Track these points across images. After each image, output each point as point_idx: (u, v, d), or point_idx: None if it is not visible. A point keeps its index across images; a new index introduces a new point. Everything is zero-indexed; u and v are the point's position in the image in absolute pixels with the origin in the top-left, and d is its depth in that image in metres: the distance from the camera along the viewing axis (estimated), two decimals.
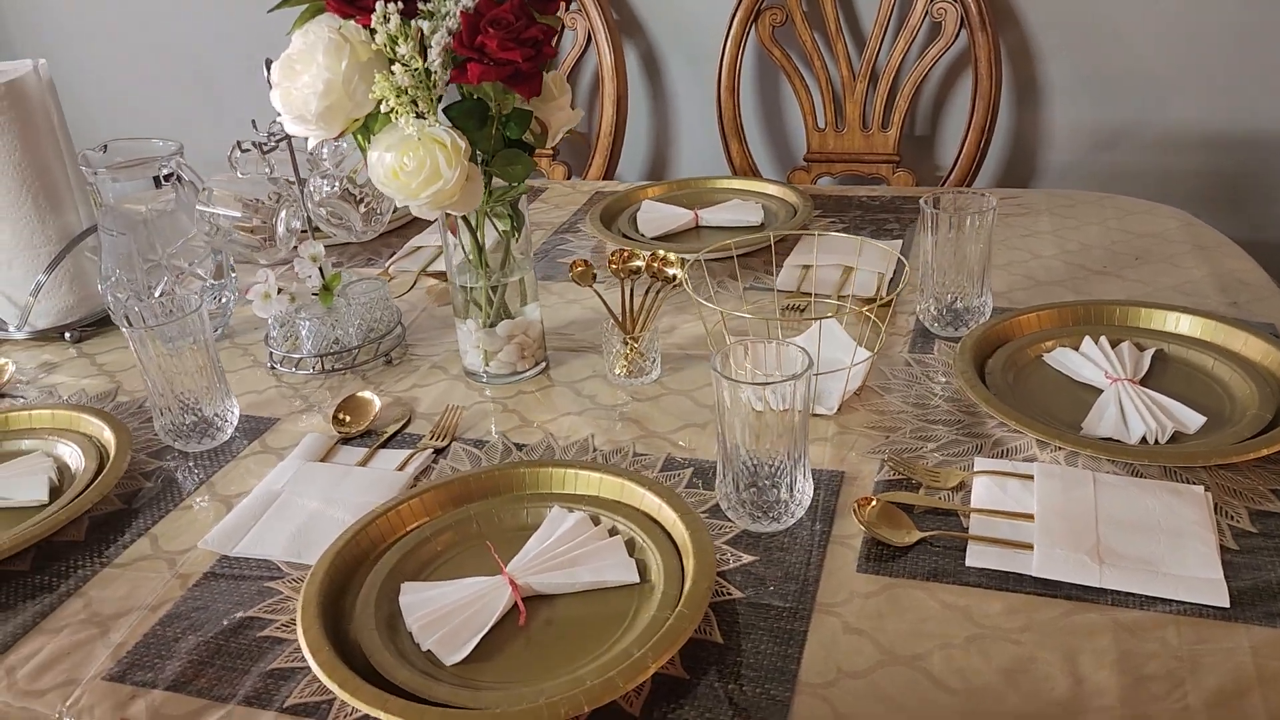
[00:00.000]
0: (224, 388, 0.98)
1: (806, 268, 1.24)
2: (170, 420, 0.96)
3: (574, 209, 1.55)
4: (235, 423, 0.99)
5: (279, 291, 1.08)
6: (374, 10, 0.85)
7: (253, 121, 1.06)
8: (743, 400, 0.76)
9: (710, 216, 1.40)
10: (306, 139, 1.03)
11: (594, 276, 1.06)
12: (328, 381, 1.09)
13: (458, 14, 0.84)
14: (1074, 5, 1.82)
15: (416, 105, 0.85)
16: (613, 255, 1.05)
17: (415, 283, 1.31)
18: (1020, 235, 1.28)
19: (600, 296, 1.03)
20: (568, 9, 2.04)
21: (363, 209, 1.05)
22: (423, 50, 0.85)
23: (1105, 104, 1.89)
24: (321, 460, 0.94)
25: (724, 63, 1.97)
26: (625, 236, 1.37)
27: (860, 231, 1.36)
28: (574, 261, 1.07)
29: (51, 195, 1.19)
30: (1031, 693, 0.64)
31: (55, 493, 0.92)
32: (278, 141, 1.03)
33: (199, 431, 0.97)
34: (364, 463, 0.94)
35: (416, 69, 0.84)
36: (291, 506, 0.87)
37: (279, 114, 0.91)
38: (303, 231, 1.08)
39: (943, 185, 1.93)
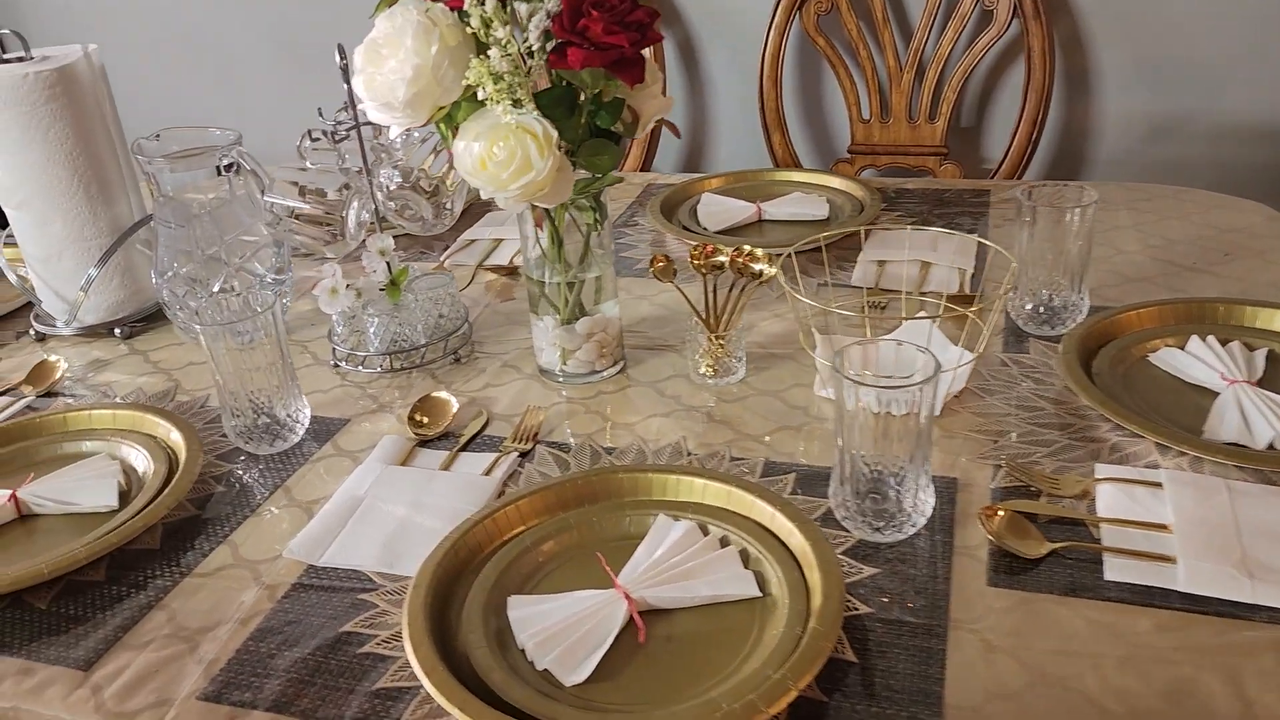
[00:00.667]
0: (295, 387, 0.94)
1: (882, 263, 1.20)
2: (242, 422, 0.92)
3: (627, 202, 1.50)
4: (306, 424, 0.95)
5: (345, 287, 1.04)
6: None
7: (319, 110, 1.02)
8: (864, 404, 0.72)
9: (773, 210, 1.35)
10: (375, 128, 1.00)
11: (674, 272, 1.02)
12: (396, 380, 1.05)
13: None
14: None
15: (514, 92, 0.81)
16: (695, 250, 1.01)
17: (474, 277, 1.27)
18: (1103, 229, 1.24)
19: (683, 293, 0.99)
20: None
21: (433, 201, 1.00)
22: (520, 34, 0.80)
23: (1158, 93, 1.85)
24: (401, 464, 0.90)
25: (767, 52, 1.93)
26: (686, 229, 1.33)
27: (931, 224, 1.31)
28: (654, 256, 1.03)
29: (104, 186, 1.15)
30: (1199, 717, 0.61)
31: (123, 497, 0.88)
32: (349, 130, 0.98)
33: (270, 433, 0.93)
34: (446, 466, 0.90)
35: (514, 54, 0.80)
36: (377, 513, 0.83)
37: (353, 102, 0.86)
38: (370, 224, 1.04)
39: (992, 177, 1.89)
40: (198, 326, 0.89)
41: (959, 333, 0.98)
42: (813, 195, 1.40)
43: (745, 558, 0.75)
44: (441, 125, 0.89)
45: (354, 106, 0.99)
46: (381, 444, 0.92)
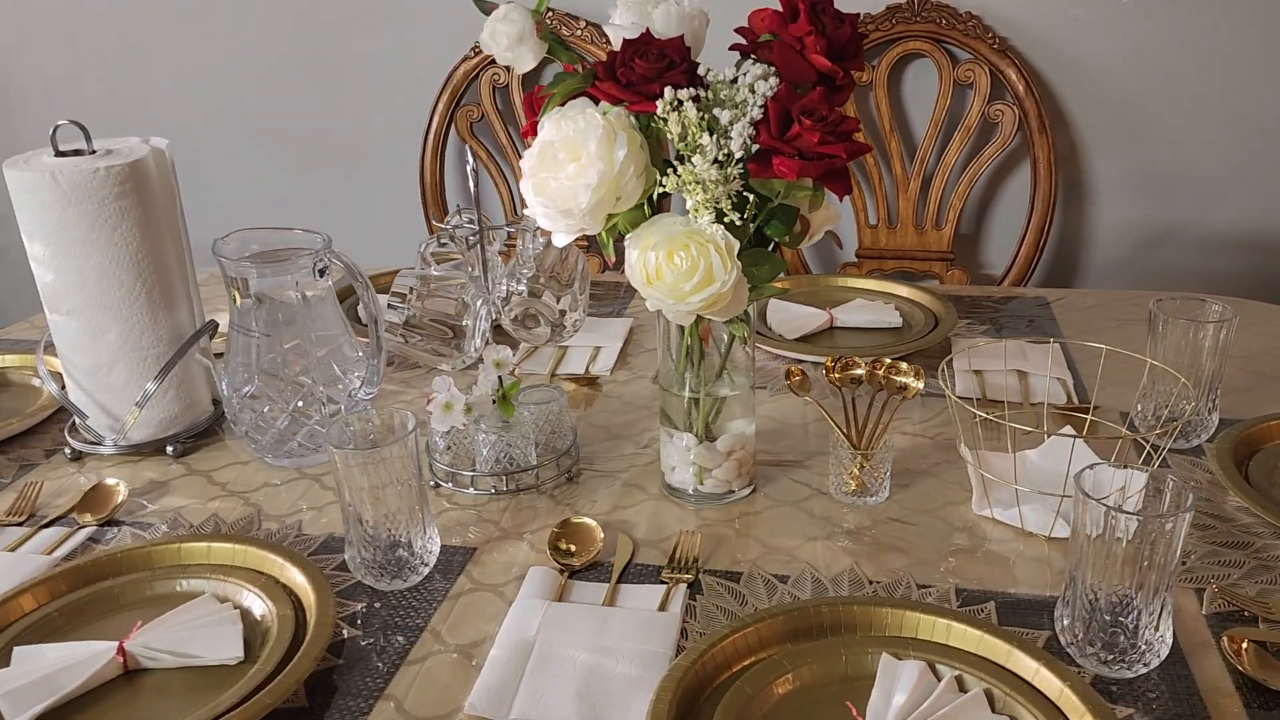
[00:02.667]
0: (427, 515, 0.86)
1: (979, 372, 1.18)
2: (372, 554, 0.83)
3: None
4: (436, 555, 0.87)
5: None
6: (660, 97, 0.77)
7: (458, 206, 0.95)
8: (1114, 531, 0.69)
9: (845, 317, 1.33)
10: (489, 236, 0.94)
11: (810, 386, 0.98)
12: (509, 502, 0.97)
13: (761, 102, 0.76)
14: (1121, 105, 1.85)
15: (718, 201, 0.76)
16: (830, 363, 0.97)
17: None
18: None
19: (824, 410, 0.95)
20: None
21: (556, 313, 0.94)
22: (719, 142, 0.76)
23: (1152, 202, 1.92)
24: (557, 599, 0.82)
25: None
26: (760, 335, 1.29)
27: (1010, 334, 1.31)
28: (789, 370, 0.98)
29: (166, 291, 1.05)
30: None
31: (246, 646, 0.77)
32: (473, 237, 0.92)
33: (400, 565, 0.84)
34: (609, 601, 0.82)
35: (718, 161, 0.76)
36: (558, 659, 0.75)
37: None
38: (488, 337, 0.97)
39: (1001, 284, 1.92)
40: (333, 450, 0.80)
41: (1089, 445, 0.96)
42: (875, 301, 1.39)
43: (991, 701, 0.70)
44: (604, 234, 0.84)
45: (478, 211, 0.93)
46: (530, 577, 0.84)
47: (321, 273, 0.99)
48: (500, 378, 0.98)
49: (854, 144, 0.75)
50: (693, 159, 0.76)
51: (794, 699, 0.71)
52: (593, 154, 0.77)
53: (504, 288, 0.93)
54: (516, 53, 0.86)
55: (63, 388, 1.08)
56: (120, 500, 0.98)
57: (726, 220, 0.78)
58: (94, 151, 1.03)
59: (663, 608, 0.81)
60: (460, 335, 0.92)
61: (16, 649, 0.77)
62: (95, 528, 0.95)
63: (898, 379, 0.95)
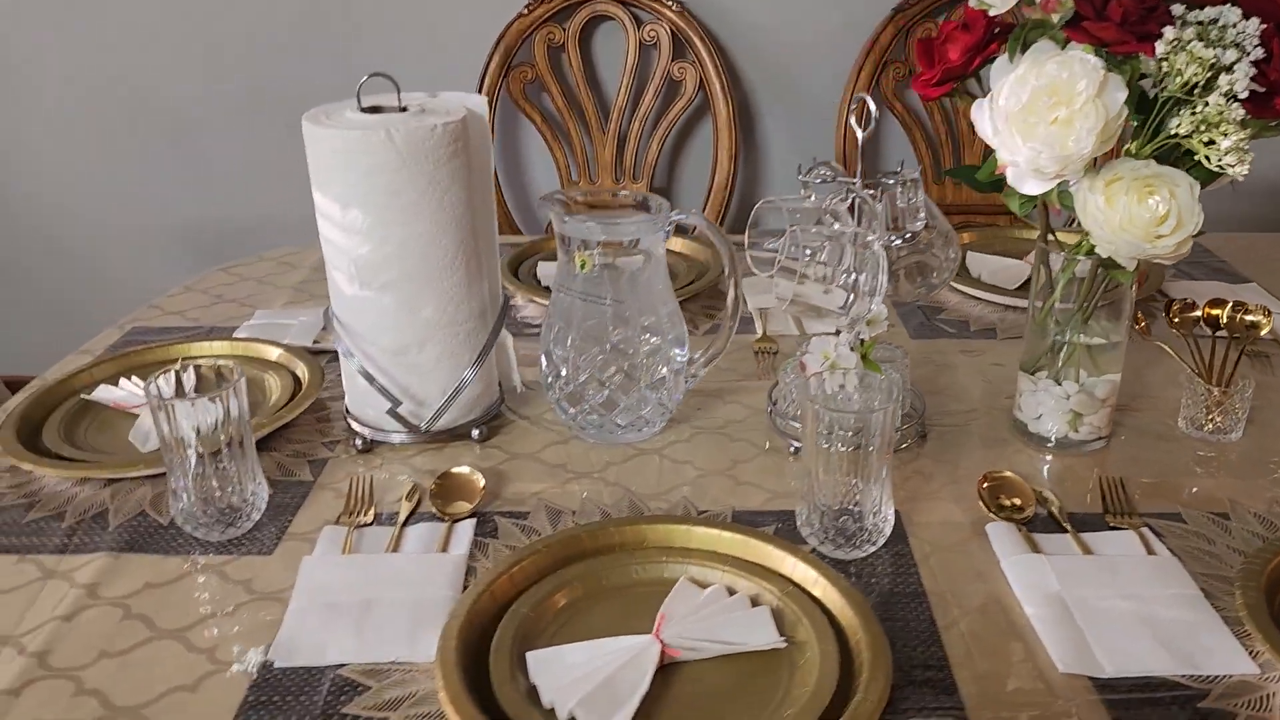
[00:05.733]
0: (887, 484, 0.82)
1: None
2: (820, 523, 0.80)
3: None
4: (889, 524, 0.83)
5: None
6: (1154, 37, 0.76)
7: (815, 159, 0.91)
8: None
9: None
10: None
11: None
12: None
13: (1256, 41, 0.76)
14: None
15: (1214, 144, 0.76)
16: (1177, 306, 1.00)
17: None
18: None
19: (1170, 351, 0.97)
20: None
21: (949, 262, 0.92)
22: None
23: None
24: (1034, 550, 0.81)
25: (846, 118, 1.95)
26: (981, 285, 1.31)
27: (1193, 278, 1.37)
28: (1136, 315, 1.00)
29: (481, 260, 0.96)
30: None
31: None
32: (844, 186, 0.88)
33: (848, 536, 0.81)
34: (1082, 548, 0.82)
35: (1226, 101, 0.76)
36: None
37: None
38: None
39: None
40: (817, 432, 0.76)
41: None
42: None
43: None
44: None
45: (861, 162, 0.90)
46: (993, 533, 0.83)
47: (675, 233, 0.93)
48: (861, 336, 0.95)
49: None
50: (1205, 99, 0.75)
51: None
52: (1090, 97, 0.76)
53: (890, 240, 0.90)
54: None
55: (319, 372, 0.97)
56: (482, 487, 0.89)
57: (1218, 163, 0.78)
58: (404, 108, 0.93)
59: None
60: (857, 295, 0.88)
61: (530, 655, 0.70)
62: (472, 519, 0.86)
63: (1246, 318, 0.98)
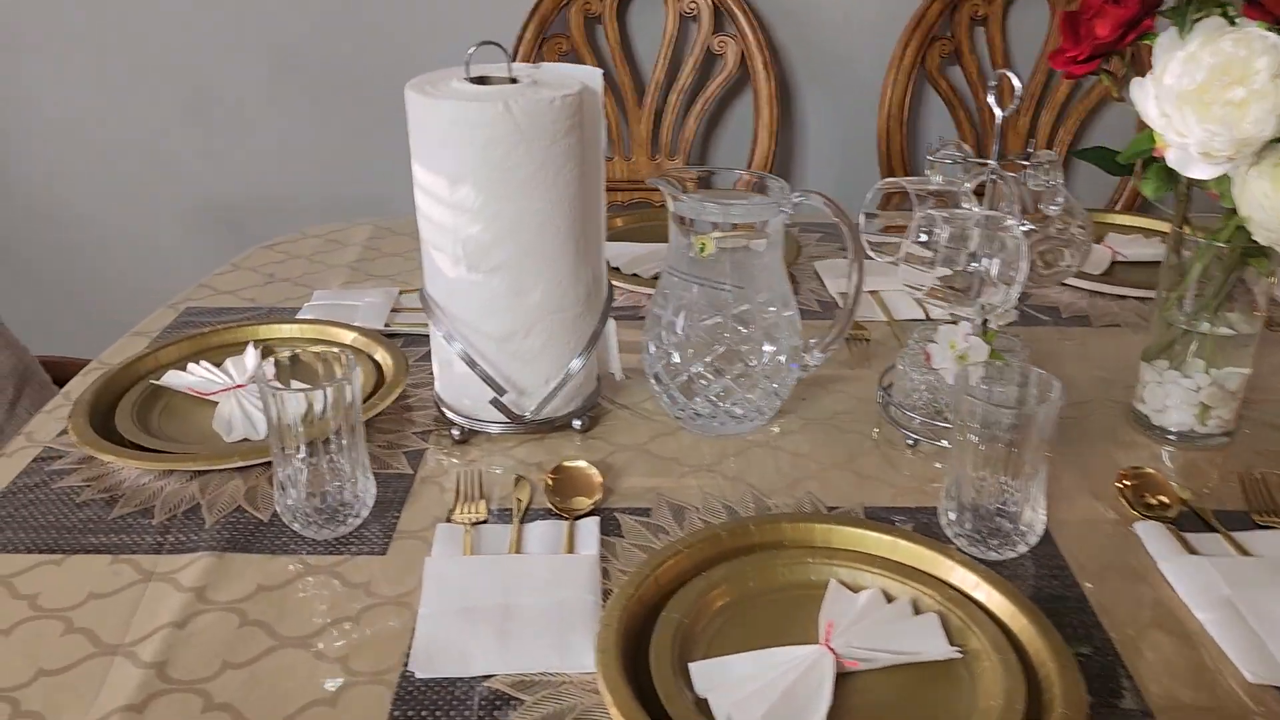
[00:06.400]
0: (1039, 484, 0.78)
1: None
2: (973, 525, 0.76)
3: None
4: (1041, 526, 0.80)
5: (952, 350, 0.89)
6: None
7: (941, 138, 0.87)
8: None
9: (1127, 251, 1.33)
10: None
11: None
12: None
13: None
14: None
15: None
16: None
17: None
18: None
19: None
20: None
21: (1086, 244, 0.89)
22: None
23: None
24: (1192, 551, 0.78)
25: (891, 95, 1.90)
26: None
27: None
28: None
29: (590, 242, 0.91)
30: None
31: None
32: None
33: (1002, 536, 0.77)
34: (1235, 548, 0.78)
35: None
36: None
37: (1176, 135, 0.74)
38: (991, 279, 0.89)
39: None
40: (975, 426, 0.72)
41: None
42: (1133, 236, 1.39)
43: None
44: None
45: (1000, 140, 0.86)
46: (1143, 533, 0.80)
47: (791, 211, 0.89)
48: (987, 324, 0.91)
49: None
50: None
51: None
52: (1271, 76, 0.72)
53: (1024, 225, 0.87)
54: None
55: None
56: (600, 482, 0.85)
57: None
58: (514, 79, 0.87)
59: None
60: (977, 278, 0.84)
61: (693, 666, 0.66)
62: (593, 517, 0.82)
63: None
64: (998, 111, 0.85)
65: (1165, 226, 1.42)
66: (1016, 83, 0.82)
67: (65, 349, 1.48)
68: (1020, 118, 1.95)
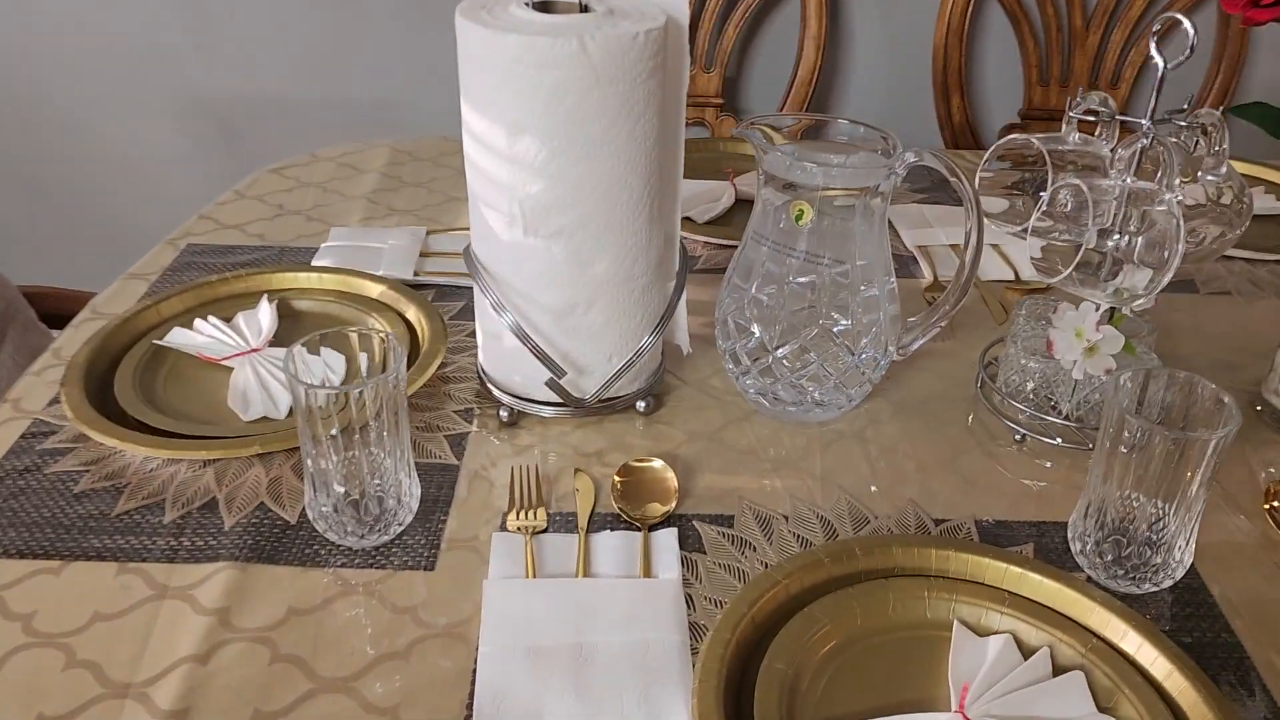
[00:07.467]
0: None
1: None
2: (1096, 541, 0.66)
3: None
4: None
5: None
6: None
7: (1080, 91, 0.74)
8: None
9: None
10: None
11: None
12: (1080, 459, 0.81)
13: None
14: None
15: None
16: None
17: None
18: None
19: None
20: None
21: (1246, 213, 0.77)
22: None
23: None
24: None
25: (952, 7, 1.74)
26: None
27: None
28: None
29: (665, 204, 0.78)
30: None
31: None
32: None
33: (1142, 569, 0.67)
34: None
35: None
36: None
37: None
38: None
39: None
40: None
41: None
42: None
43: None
44: None
45: (1155, 97, 0.73)
46: None
47: (903, 174, 0.76)
48: (1114, 309, 0.80)
49: None
50: None
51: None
52: None
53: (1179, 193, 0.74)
54: None
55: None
56: (673, 488, 0.74)
57: None
58: (585, 7, 0.73)
59: None
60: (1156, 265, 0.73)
61: None
62: (670, 526, 0.71)
63: None
64: (1160, 63, 0.72)
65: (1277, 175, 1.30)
66: (1189, 28, 0.69)
67: (49, 276, 1.35)
68: (1091, 34, 1.79)
